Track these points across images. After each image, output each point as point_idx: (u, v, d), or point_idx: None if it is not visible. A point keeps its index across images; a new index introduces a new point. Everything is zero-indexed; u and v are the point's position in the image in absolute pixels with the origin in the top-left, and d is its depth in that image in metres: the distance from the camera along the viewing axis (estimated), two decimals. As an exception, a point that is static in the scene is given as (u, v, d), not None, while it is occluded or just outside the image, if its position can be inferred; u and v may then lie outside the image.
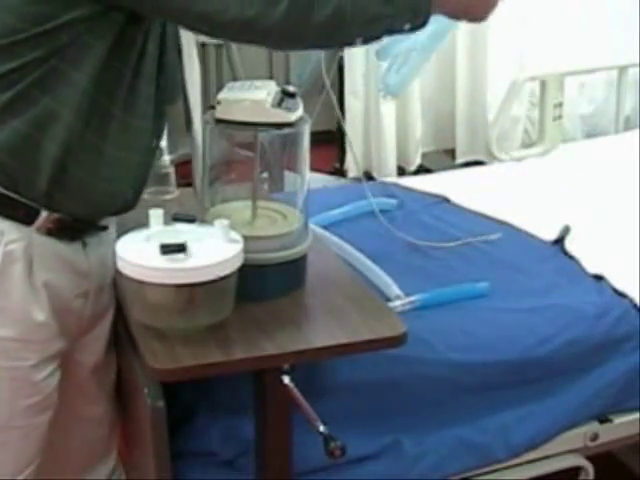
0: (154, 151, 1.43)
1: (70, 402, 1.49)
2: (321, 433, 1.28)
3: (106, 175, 1.32)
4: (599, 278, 1.92)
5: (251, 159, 1.47)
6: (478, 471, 1.69)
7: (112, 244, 1.36)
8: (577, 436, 1.78)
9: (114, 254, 1.32)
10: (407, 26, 1.26)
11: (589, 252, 2.04)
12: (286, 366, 1.34)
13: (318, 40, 1.26)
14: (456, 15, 1.32)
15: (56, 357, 1.40)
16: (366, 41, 1.27)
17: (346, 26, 1.21)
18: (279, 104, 1.42)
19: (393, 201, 2.29)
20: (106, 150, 1.30)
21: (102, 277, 1.45)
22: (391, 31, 1.28)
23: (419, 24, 1.26)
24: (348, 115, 3.14)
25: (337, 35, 1.24)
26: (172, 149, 1.88)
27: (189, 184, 1.90)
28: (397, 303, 1.73)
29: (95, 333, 1.49)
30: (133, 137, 1.34)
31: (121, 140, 1.32)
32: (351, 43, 1.27)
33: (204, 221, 1.43)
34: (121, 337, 1.51)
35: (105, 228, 1.43)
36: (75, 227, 1.36)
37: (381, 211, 2.07)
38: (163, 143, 1.34)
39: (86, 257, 1.40)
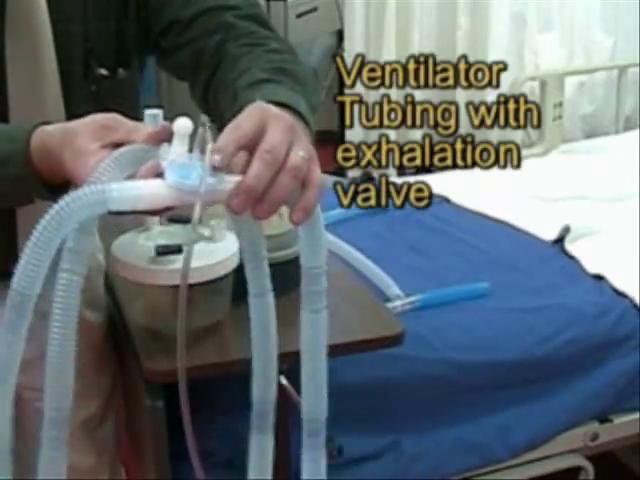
0: None
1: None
2: (318, 433, 1.28)
3: None
4: (599, 278, 1.92)
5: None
6: (478, 471, 1.69)
7: None
8: (577, 436, 1.78)
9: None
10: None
11: (589, 252, 2.04)
12: (283, 366, 1.33)
13: None
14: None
15: None
16: None
17: None
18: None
19: (393, 201, 2.28)
20: None
21: None
22: None
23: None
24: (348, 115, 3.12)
25: None
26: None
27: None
28: (397, 303, 1.72)
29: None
30: None
31: None
32: None
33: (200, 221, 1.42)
34: (120, 338, 1.50)
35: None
36: None
37: (381, 211, 2.07)
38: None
39: None
